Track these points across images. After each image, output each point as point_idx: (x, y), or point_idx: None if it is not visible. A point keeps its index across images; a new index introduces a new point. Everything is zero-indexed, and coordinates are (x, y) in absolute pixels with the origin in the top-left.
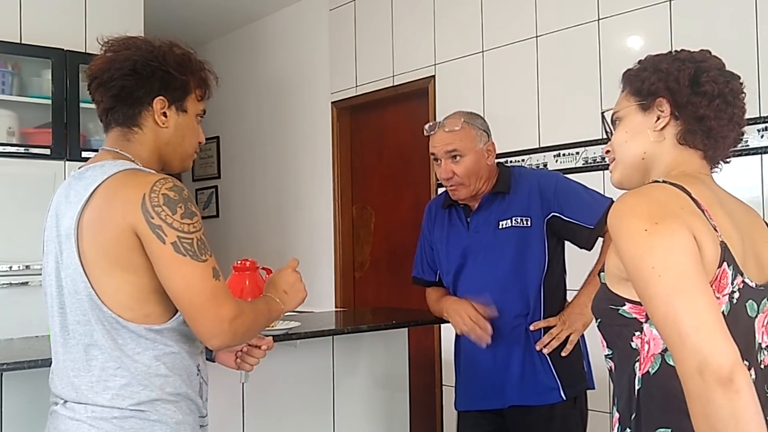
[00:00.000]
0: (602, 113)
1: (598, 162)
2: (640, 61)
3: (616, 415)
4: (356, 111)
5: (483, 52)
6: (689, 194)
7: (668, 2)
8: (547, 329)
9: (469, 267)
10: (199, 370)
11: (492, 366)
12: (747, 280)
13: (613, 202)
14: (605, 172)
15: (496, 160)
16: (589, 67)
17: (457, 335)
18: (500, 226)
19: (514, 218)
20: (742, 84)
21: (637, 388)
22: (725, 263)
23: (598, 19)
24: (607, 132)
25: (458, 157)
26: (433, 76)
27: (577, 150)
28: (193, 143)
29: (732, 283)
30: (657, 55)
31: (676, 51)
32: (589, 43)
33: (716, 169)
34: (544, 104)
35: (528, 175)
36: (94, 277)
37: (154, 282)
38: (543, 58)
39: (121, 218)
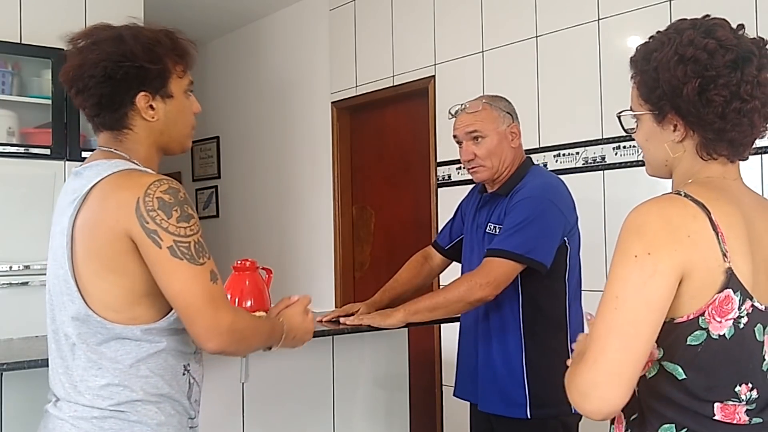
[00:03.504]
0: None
1: (598, 162)
2: (645, 44)
3: (620, 414)
4: (356, 111)
5: (483, 52)
6: (709, 214)
7: (668, 2)
8: (532, 337)
9: (465, 259)
10: (187, 371)
11: (472, 359)
12: (756, 304)
13: (514, 254)
14: (605, 172)
15: (528, 154)
16: (589, 67)
17: (461, 321)
18: (488, 230)
19: (496, 225)
20: (756, 55)
21: (635, 389)
22: (729, 290)
23: (598, 19)
24: (625, 131)
25: (479, 139)
26: (433, 76)
27: (577, 150)
28: (187, 122)
29: (739, 309)
30: (661, 47)
31: (678, 44)
32: (589, 43)
33: (743, 157)
34: (544, 104)
35: (529, 182)
36: (84, 279)
37: (146, 286)
38: (543, 58)
39: (115, 222)
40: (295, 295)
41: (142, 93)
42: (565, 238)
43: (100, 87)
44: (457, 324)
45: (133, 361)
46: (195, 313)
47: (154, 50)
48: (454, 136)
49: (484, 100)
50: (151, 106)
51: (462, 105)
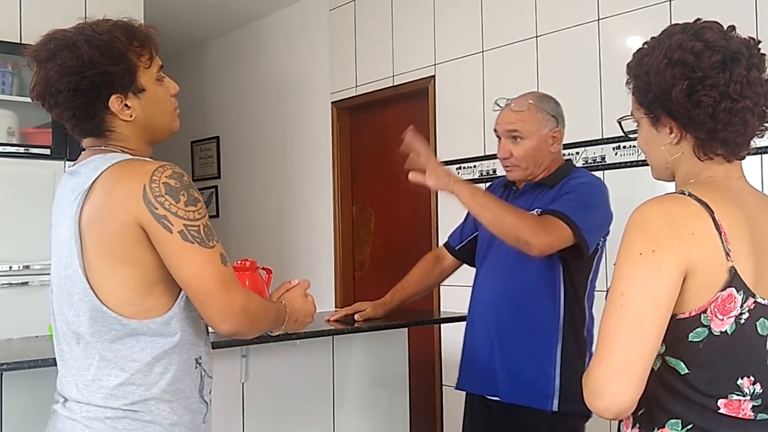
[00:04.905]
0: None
1: (598, 162)
2: (639, 50)
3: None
4: (356, 111)
5: (483, 52)
6: (712, 213)
7: (668, 2)
8: (565, 331)
9: (493, 250)
10: (199, 363)
11: (488, 352)
12: (759, 300)
13: (575, 225)
14: (605, 172)
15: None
16: (589, 67)
17: (469, 315)
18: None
19: (536, 211)
20: (745, 55)
21: None
22: (732, 288)
23: (598, 19)
24: (627, 136)
25: (518, 139)
26: (433, 76)
27: (577, 150)
28: (167, 108)
29: (741, 306)
30: (652, 52)
31: (667, 47)
32: (589, 43)
33: (740, 156)
34: None
35: (573, 176)
36: (96, 275)
37: (158, 274)
38: (543, 58)
39: (124, 212)
40: (295, 279)
41: (114, 96)
42: (602, 239)
43: (70, 101)
44: (458, 324)
45: (150, 359)
46: (209, 296)
47: (112, 50)
48: (495, 130)
49: (530, 100)
50: (126, 106)
51: (509, 100)
